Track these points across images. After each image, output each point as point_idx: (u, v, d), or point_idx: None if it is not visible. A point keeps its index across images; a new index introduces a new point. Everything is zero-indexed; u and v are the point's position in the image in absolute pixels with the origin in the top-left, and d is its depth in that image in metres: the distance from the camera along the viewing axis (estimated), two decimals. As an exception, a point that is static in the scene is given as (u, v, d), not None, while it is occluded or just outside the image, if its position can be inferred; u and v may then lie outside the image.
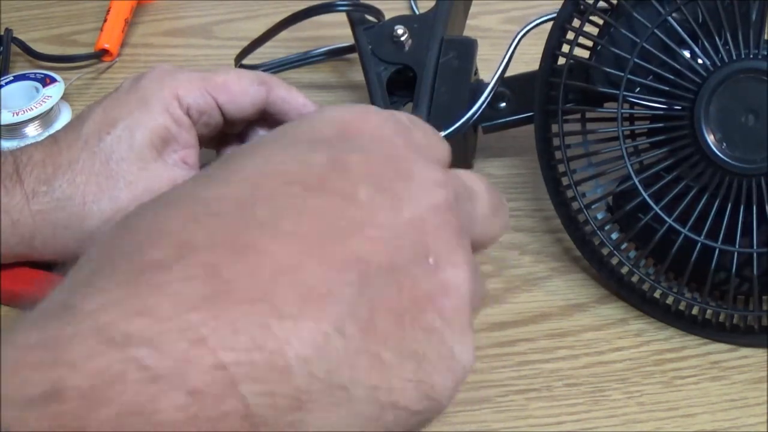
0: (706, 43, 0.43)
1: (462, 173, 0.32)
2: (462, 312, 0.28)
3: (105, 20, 0.69)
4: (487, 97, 0.51)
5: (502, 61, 0.51)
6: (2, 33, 0.67)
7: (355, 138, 0.29)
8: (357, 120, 0.30)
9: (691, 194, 0.44)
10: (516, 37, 0.51)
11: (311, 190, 0.27)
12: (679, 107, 0.44)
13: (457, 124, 0.50)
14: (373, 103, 0.53)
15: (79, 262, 0.26)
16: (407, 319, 0.26)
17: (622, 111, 0.46)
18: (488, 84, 0.51)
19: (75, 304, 0.23)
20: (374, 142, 0.29)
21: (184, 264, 0.24)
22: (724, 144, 0.43)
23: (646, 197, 0.45)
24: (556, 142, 0.49)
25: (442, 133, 0.50)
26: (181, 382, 0.22)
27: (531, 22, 0.51)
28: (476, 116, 0.51)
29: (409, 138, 0.31)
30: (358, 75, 0.59)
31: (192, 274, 0.24)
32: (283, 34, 0.59)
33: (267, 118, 0.52)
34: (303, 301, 0.24)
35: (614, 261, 0.48)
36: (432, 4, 0.55)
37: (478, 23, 0.69)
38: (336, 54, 0.66)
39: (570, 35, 0.47)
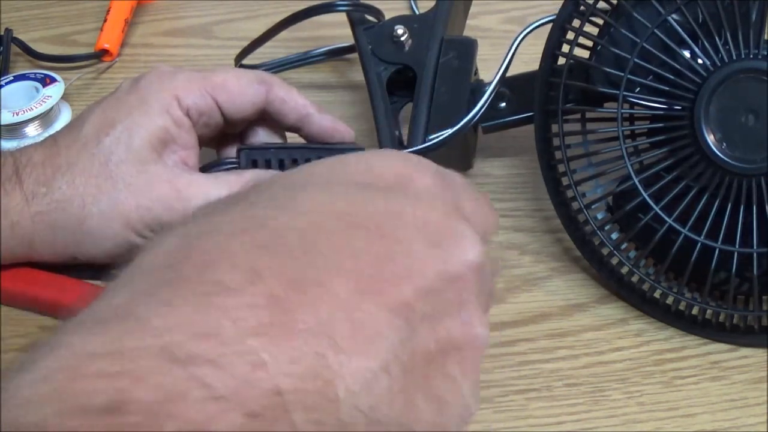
0: (706, 43, 0.43)
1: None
2: (477, 366, 0.30)
3: (105, 20, 0.69)
4: (487, 99, 0.51)
5: (503, 62, 0.51)
6: (2, 33, 0.67)
7: (412, 190, 0.30)
8: (415, 174, 0.31)
9: (691, 194, 0.44)
10: (517, 38, 0.51)
11: (372, 234, 0.28)
12: (679, 107, 0.44)
13: (458, 126, 0.50)
14: (373, 103, 0.52)
15: (134, 268, 0.26)
16: (435, 366, 0.28)
17: (622, 111, 0.46)
18: (489, 84, 0.51)
19: (139, 315, 0.24)
20: (429, 197, 0.31)
21: (250, 291, 0.25)
22: (724, 144, 0.43)
23: (646, 197, 0.45)
24: (556, 142, 0.49)
25: (443, 135, 0.50)
26: (240, 403, 0.23)
27: (531, 24, 0.51)
28: (477, 117, 0.51)
29: (457, 200, 0.32)
30: (358, 75, 0.59)
31: (257, 302, 0.24)
32: (283, 34, 0.59)
33: (266, 117, 0.52)
34: (357, 337, 0.25)
35: (614, 261, 0.48)
36: (432, 4, 0.55)
37: (478, 23, 0.69)
38: (336, 54, 0.66)
39: (570, 35, 0.47)
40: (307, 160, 0.51)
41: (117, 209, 0.46)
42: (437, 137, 0.50)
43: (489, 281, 0.32)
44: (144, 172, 0.46)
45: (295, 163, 0.51)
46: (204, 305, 0.24)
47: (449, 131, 0.50)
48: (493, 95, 0.51)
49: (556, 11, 0.47)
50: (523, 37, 0.51)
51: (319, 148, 0.51)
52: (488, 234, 0.34)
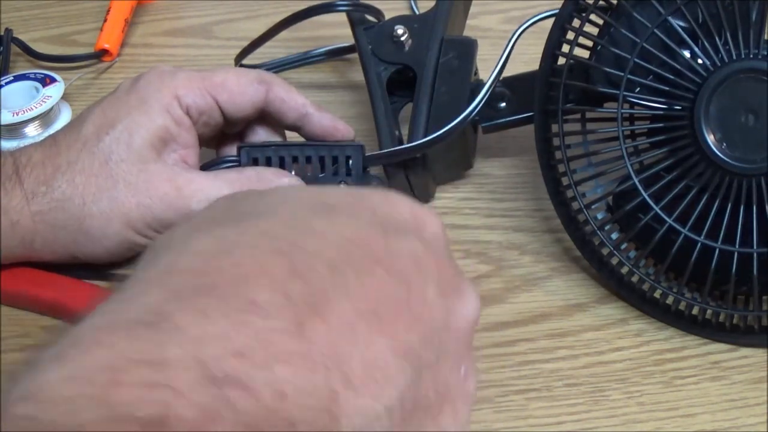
0: (706, 43, 0.43)
1: None
2: (468, 416, 0.31)
3: (105, 20, 0.69)
4: (485, 95, 0.51)
5: (500, 58, 0.51)
6: (2, 33, 0.67)
7: (427, 236, 0.31)
8: (427, 219, 0.32)
9: (691, 194, 0.44)
10: (513, 35, 0.51)
11: (393, 274, 0.28)
12: (679, 107, 0.44)
13: (456, 122, 0.50)
14: (373, 103, 0.53)
15: (163, 263, 0.26)
16: (430, 414, 0.29)
17: (622, 111, 0.46)
18: (488, 79, 0.51)
19: (176, 322, 0.24)
20: (440, 246, 0.32)
21: (282, 315, 0.25)
22: (724, 144, 0.43)
23: (646, 197, 0.45)
24: (556, 142, 0.49)
25: (439, 132, 0.50)
26: (258, 429, 0.23)
27: (528, 20, 0.51)
28: (474, 114, 0.50)
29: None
30: (358, 75, 0.59)
31: (286, 328, 0.25)
32: (283, 34, 0.59)
33: (266, 117, 0.52)
34: (368, 377, 0.26)
35: (614, 261, 0.48)
36: (432, 4, 0.55)
37: (478, 23, 0.69)
38: (336, 54, 0.66)
39: (570, 35, 0.47)
40: (308, 158, 0.51)
41: (117, 208, 0.46)
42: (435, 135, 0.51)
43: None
44: (144, 170, 0.46)
45: (295, 161, 0.51)
46: (239, 323, 0.24)
47: (448, 126, 0.50)
48: (493, 94, 0.51)
49: (556, 11, 0.47)
50: (520, 34, 0.51)
51: (319, 145, 0.51)
52: None
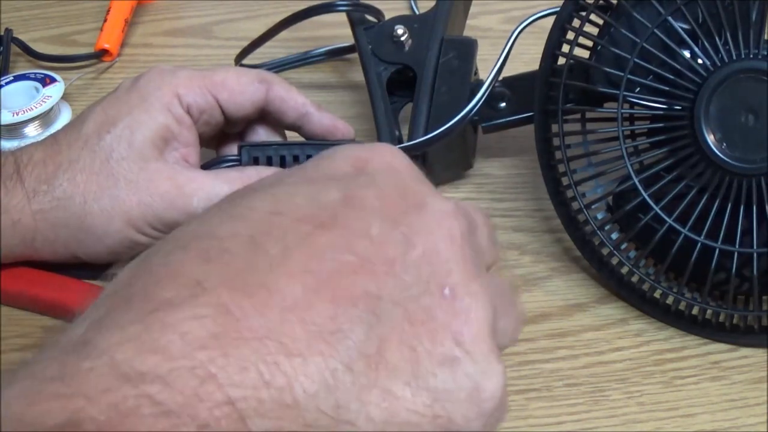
0: (706, 43, 0.43)
1: (464, 204, 0.32)
2: (483, 340, 0.28)
3: (105, 20, 0.69)
4: (484, 93, 0.51)
5: (500, 57, 0.51)
6: (2, 33, 0.67)
7: (369, 173, 0.30)
8: (371, 154, 0.30)
9: (691, 194, 0.44)
10: (513, 33, 0.51)
11: (323, 227, 0.27)
12: (679, 107, 0.44)
13: (455, 120, 0.50)
14: (373, 103, 0.53)
15: (98, 299, 0.26)
16: (422, 351, 0.27)
17: (622, 111, 0.46)
18: (487, 79, 0.51)
19: (91, 340, 0.24)
20: (387, 175, 0.30)
21: (194, 303, 0.24)
22: (724, 144, 0.43)
23: (646, 197, 0.45)
24: (556, 142, 0.49)
25: (439, 130, 0.50)
26: (191, 417, 0.23)
27: (528, 18, 0.51)
28: (473, 114, 0.50)
29: (417, 171, 0.31)
30: (358, 75, 0.59)
31: (202, 313, 0.24)
32: (283, 34, 0.59)
33: (266, 116, 0.52)
34: (311, 338, 0.25)
35: (614, 261, 0.48)
36: (432, 4, 0.55)
37: (478, 23, 0.69)
38: (336, 54, 0.66)
39: (570, 35, 0.47)
40: (308, 157, 0.51)
41: (118, 206, 0.46)
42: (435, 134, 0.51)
43: (477, 243, 0.30)
44: (145, 169, 0.46)
45: (296, 159, 0.51)
46: (151, 323, 0.24)
47: (448, 124, 0.50)
48: (493, 94, 0.51)
49: (556, 11, 0.47)
50: (519, 33, 0.51)
51: (320, 144, 0.51)
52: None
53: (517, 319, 0.31)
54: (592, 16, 0.47)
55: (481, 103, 0.51)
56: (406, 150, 0.50)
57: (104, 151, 0.46)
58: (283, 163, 0.51)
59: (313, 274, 0.26)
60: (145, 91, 0.48)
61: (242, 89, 0.50)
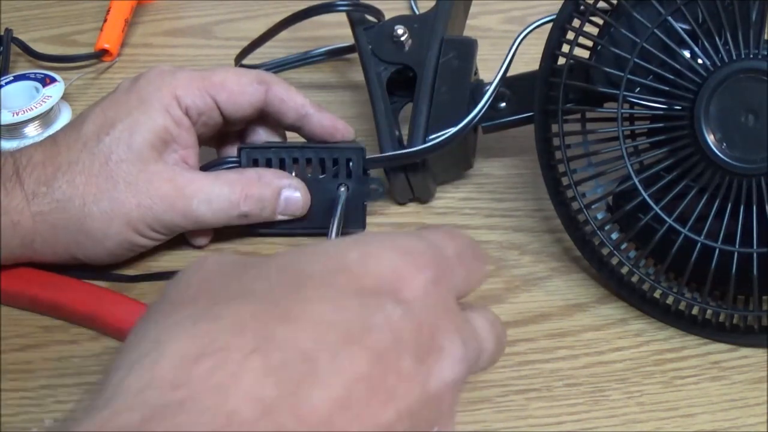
0: (706, 43, 0.43)
1: (479, 321, 0.34)
2: None
3: (105, 20, 0.69)
4: (487, 101, 0.51)
5: (503, 62, 0.51)
6: (2, 33, 0.67)
7: (407, 297, 0.30)
8: (407, 274, 0.31)
9: (691, 194, 0.44)
10: (516, 39, 0.51)
11: (365, 352, 0.28)
12: (679, 107, 0.44)
13: (458, 128, 0.50)
14: (373, 103, 0.52)
15: (141, 376, 0.26)
16: None
17: (622, 111, 0.46)
18: (489, 85, 0.51)
19: None
20: (423, 308, 0.31)
21: (261, 424, 0.25)
22: (724, 144, 0.43)
23: (646, 197, 0.45)
24: (556, 142, 0.49)
25: (443, 136, 0.50)
26: None
27: (531, 24, 0.51)
28: (477, 119, 0.51)
29: (449, 299, 0.32)
30: (358, 75, 0.59)
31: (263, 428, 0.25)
32: (283, 34, 0.59)
33: (266, 117, 0.52)
34: None
35: (614, 261, 0.48)
36: (432, 4, 0.55)
37: (478, 23, 0.69)
38: (336, 54, 0.66)
39: (570, 35, 0.47)
40: (308, 160, 0.51)
41: (118, 209, 0.46)
42: (437, 137, 0.51)
43: (480, 362, 0.33)
44: (144, 171, 0.46)
45: (295, 162, 0.51)
46: None
47: (450, 132, 0.50)
48: (493, 96, 0.51)
49: (556, 11, 0.47)
50: (523, 38, 0.51)
51: (320, 147, 0.51)
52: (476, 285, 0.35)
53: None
54: (592, 17, 0.47)
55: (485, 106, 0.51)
56: (412, 156, 0.50)
57: (103, 153, 0.46)
58: (282, 166, 0.51)
59: (350, 403, 0.27)
60: (144, 93, 0.48)
61: (241, 90, 0.49)
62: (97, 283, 0.48)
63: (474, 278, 0.35)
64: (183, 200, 0.47)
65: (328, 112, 0.52)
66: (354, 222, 0.52)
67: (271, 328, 0.28)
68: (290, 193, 0.50)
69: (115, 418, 0.25)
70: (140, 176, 0.46)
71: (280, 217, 0.50)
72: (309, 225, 0.51)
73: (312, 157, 0.51)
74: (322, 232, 0.51)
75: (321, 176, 0.51)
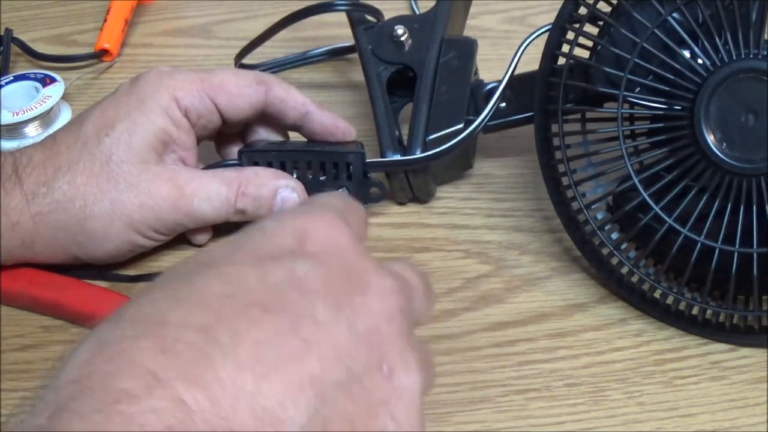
0: (706, 43, 0.43)
1: (398, 267, 0.33)
2: (414, 410, 0.30)
3: (105, 20, 0.69)
4: (491, 110, 0.50)
5: (508, 68, 0.51)
6: (2, 33, 0.67)
7: (314, 252, 0.31)
8: (314, 227, 0.32)
9: (691, 194, 0.44)
10: (523, 43, 0.51)
11: (271, 311, 0.28)
12: (679, 107, 0.44)
13: (461, 137, 0.50)
14: (373, 103, 0.52)
15: (57, 383, 0.27)
16: (359, 425, 0.28)
17: (622, 111, 0.46)
18: (489, 85, 0.51)
19: (54, 428, 0.24)
20: (331, 255, 0.31)
21: (151, 396, 0.25)
22: (724, 144, 0.43)
23: (646, 197, 0.45)
24: (556, 142, 0.49)
25: (445, 146, 0.50)
26: None
27: (535, 32, 0.50)
28: (480, 128, 0.51)
29: (359, 245, 0.32)
30: (358, 75, 0.59)
31: (159, 407, 0.25)
32: (283, 34, 0.59)
33: (266, 117, 0.52)
34: (259, 425, 0.26)
35: (614, 261, 0.48)
36: (432, 4, 0.55)
37: (478, 23, 0.69)
38: (336, 54, 0.66)
39: (570, 35, 0.47)
40: (308, 163, 0.51)
41: (119, 209, 0.46)
42: (437, 137, 0.51)
43: (413, 309, 0.32)
44: (146, 171, 0.46)
45: (296, 165, 0.51)
46: (112, 413, 0.24)
47: (454, 141, 0.50)
48: (497, 102, 0.51)
49: (557, 11, 0.47)
50: (525, 47, 0.51)
51: (320, 151, 0.51)
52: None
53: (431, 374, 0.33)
54: (592, 16, 0.47)
55: (488, 110, 0.51)
56: (413, 164, 0.50)
57: (104, 153, 0.46)
58: (283, 168, 0.51)
59: (262, 363, 0.27)
60: (144, 94, 0.48)
61: (240, 92, 0.49)
62: (97, 283, 0.48)
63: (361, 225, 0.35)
64: (184, 200, 0.47)
65: (330, 111, 0.52)
66: None
67: (164, 313, 0.28)
68: (287, 193, 0.50)
69: (30, 420, 0.25)
70: (141, 176, 0.46)
71: None
72: None
73: (312, 160, 0.51)
74: None
75: (321, 178, 0.51)
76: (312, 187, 0.51)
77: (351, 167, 0.51)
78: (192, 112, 0.48)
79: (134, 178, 0.46)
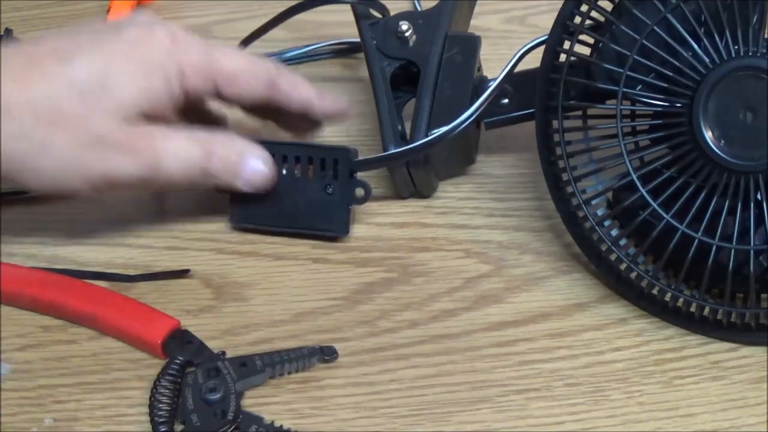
0: (705, 41, 0.43)
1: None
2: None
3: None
4: (485, 101, 0.50)
5: (509, 63, 0.51)
6: (2, 33, 0.67)
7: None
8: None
9: (690, 191, 0.44)
10: (516, 54, 0.51)
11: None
12: (679, 104, 0.43)
13: (454, 123, 0.50)
14: (376, 98, 0.52)
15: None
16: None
17: (622, 108, 0.46)
18: (491, 81, 0.51)
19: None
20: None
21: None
22: (723, 141, 0.43)
23: (644, 194, 0.45)
24: (556, 138, 0.49)
25: (442, 130, 0.50)
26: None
27: (525, 46, 0.50)
28: (475, 116, 0.50)
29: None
30: (363, 70, 0.58)
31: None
32: (283, 34, 0.60)
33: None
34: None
35: (613, 257, 0.48)
36: (433, 3, 0.55)
37: (479, 23, 0.68)
38: (342, 54, 0.66)
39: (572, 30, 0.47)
40: (297, 158, 0.51)
41: (83, 164, 0.45)
42: (437, 132, 0.50)
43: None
44: (124, 131, 0.45)
45: (284, 160, 0.51)
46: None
47: (448, 127, 0.50)
48: (493, 95, 0.51)
49: (557, 11, 0.47)
50: (521, 56, 0.51)
51: (307, 145, 0.51)
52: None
53: None
54: (593, 14, 0.47)
55: (483, 100, 0.51)
56: (410, 153, 0.50)
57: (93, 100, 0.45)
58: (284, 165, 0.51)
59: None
60: (151, 57, 0.46)
61: (250, 89, 0.49)
62: (97, 283, 0.48)
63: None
64: (155, 161, 0.46)
65: (330, 95, 0.51)
66: (337, 223, 0.51)
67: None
68: (256, 163, 0.49)
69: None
70: (118, 135, 0.45)
71: (243, 187, 0.49)
72: (295, 223, 0.51)
73: (300, 156, 0.51)
74: (308, 232, 0.51)
75: (307, 175, 0.51)
76: (299, 185, 0.50)
77: (338, 165, 0.50)
78: (192, 93, 0.47)
79: (111, 136, 0.45)
